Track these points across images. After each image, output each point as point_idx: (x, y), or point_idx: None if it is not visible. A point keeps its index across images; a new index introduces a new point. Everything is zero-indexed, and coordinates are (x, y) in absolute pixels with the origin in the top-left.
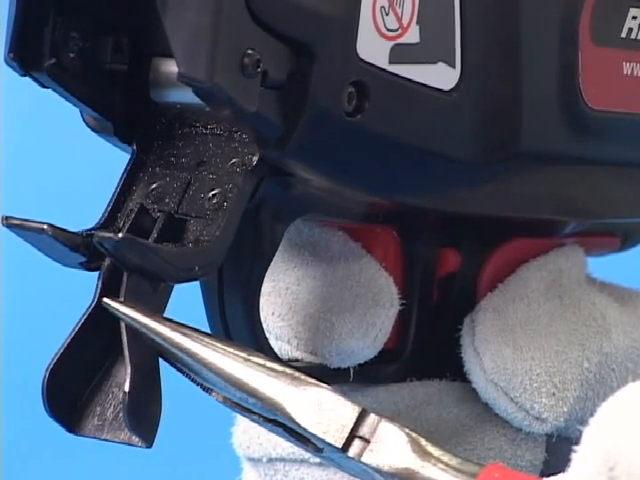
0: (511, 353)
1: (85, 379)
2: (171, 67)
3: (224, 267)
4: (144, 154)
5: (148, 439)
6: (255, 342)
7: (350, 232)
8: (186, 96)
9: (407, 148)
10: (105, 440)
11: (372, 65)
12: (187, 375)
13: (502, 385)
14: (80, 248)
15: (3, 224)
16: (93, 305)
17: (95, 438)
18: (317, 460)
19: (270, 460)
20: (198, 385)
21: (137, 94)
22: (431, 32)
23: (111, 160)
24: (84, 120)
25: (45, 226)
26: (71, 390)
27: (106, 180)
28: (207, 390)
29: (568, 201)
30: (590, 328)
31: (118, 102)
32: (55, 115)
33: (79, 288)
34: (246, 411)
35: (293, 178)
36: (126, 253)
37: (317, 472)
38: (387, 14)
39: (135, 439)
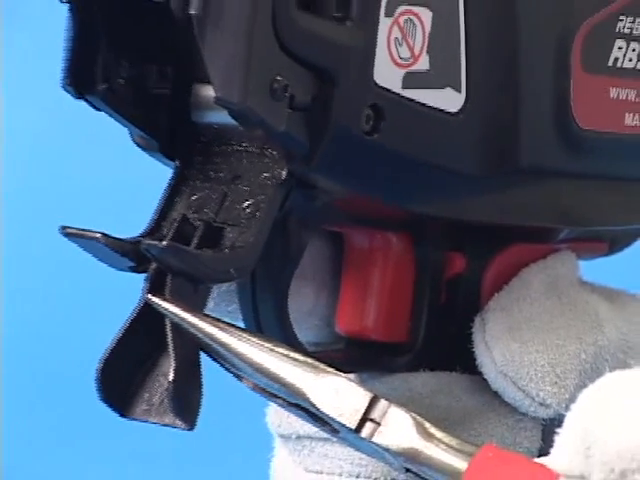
0: (518, 347)
1: (134, 369)
2: (209, 92)
3: (257, 269)
4: (186, 169)
5: (190, 422)
6: (284, 335)
7: (368, 237)
8: (223, 117)
9: (419, 163)
10: (152, 423)
11: (387, 90)
12: (221, 364)
13: (511, 375)
14: (129, 254)
15: (61, 233)
16: (141, 303)
17: (143, 421)
18: None
19: (298, 437)
20: (231, 373)
21: (180, 116)
22: (439, 61)
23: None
24: (132, 139)
25: (98, 235)
26: (121, 379)
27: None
28: (238, 377)
29: (562, 211)
30: (585, 324)
31: (163, 123)
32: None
33: (79, 288)
34: (272, 396)
35: (317, 190)
36: (169, 259)
37: (339, 449)
38: (400, 45)
39: (179, 422)
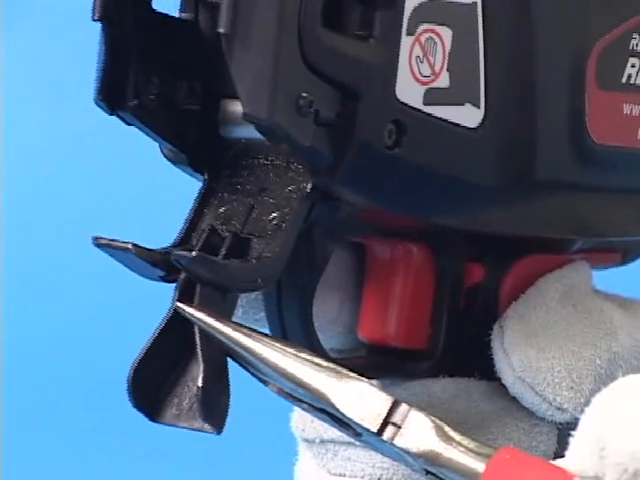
0: (535, 353)
1: (164, 375)
2: (237, 107)
3: (282, 278)
4: (214, 182)
5: (218, 427)
6: (308, 342)
7: (389, 248)
8: (250, 132)
9: (439, 176)
10: (181, 427)
11: (409, 106)
12: (247, 369)
13: (528, 381)
14: (159, 264)
15: (93, 244)
16: (171, 311)
17: (173, 425)
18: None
19: (322, 441)
20: (257, 378)
21: (208, 130)
22: (459, 78)
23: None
24: (162, 152)
25: (129, 245)
26: (152, 384)
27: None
28: (264, 382)
29: (577, 222)
30: (600, 330)
31: (191, 137)
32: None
33: (78, 289)
34: (297, 400)
35: (341, 202)
36: (198, 269)
37: (361, 452)
38: (422, 62)
39: (207, 427)
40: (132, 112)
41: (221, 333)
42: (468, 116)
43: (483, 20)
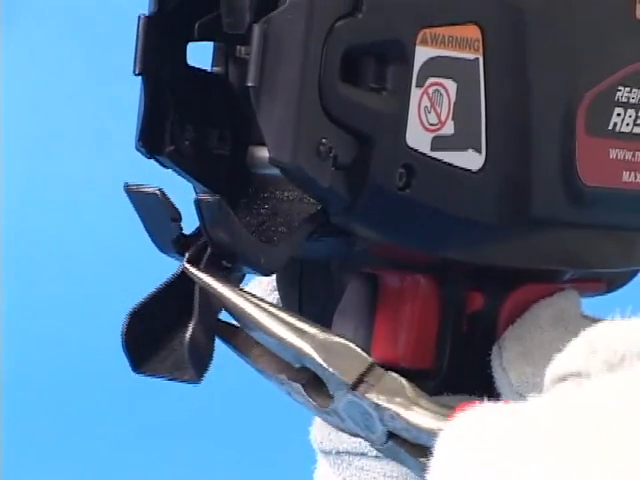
0: (531, 370)
1: (157, 330)
2: (263, 153)
3: (303, 307)
4: (233, 210)
5: (198, 375)
6: None
7: (399, 278)
8: (273, 173)
9: (445, 215)
10: (159, 377)
11: (418, 151)
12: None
13: (525, 395)
14: (178, 221)
15: (124, 189)
16: (176, 275)
17: (151, 376)
18: (374, 453)
19: (338, 452)
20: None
21: (236, 173)
22: (463, 126)
23: None
24: (196, 192)
25: (157, 190)
26: (144, 336)
27: None
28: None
29: (568, 255)
30: None
31: (222, 179)
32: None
33: (78, 290)
34: (278, 382)
35: (356, 237)
36: (216, 214)
37: (373, 463)
38: (429, 112)
39: (186, 377)
40: (169, 157)
41: (215, 290)
42: (471, 160)
43: (484, 74)
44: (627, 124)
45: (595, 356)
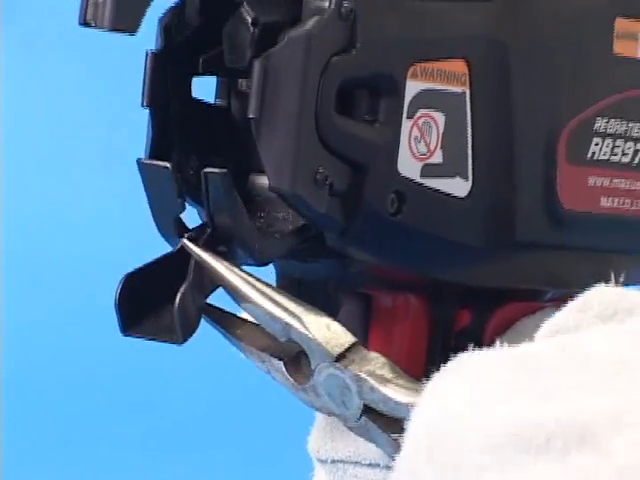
0: None
1: (150, 299)
2: (263, 180)
3: None
4: None
5: (182, 337)
6: None
7: (392, 298)
8: (272, 196)
9: (435, 238)
10: (144, 337)
11: (408, 179)
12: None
13: None
14: (184, 198)
15: (137, 163)
16: (174, 251)
17: (137, 336)
18: (367, 462)
19: (333, 461)
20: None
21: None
22: (450, 155)
23: None
24: (200, 217)
25: (168, 165)
26: (137, 301)
27: None
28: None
29: (550, 276)
30: None
31: None
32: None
33: (78, 291)
34: (260, 360)
35: (351, 260)
36: (220, 188)
37: (367, 471)
38: (419, 142)
39: (170, 337)
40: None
41: (209, 265)
42: (458, 187)
43: (471, 107)
44: (604, 153)
45: (587, 312)
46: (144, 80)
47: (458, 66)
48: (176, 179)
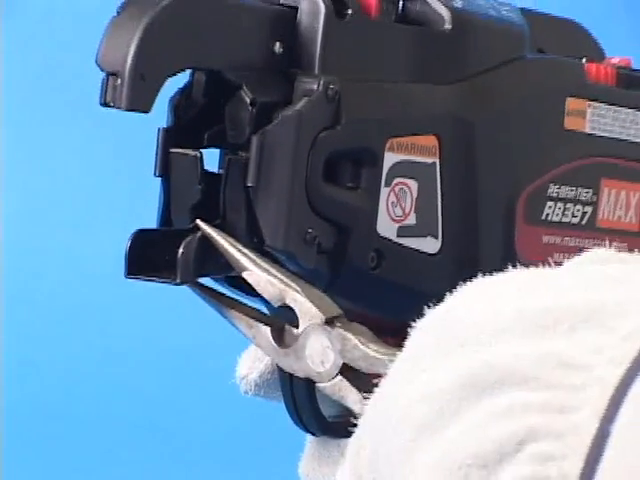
0: None
1: (156, 257)
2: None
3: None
4: None
5: (181, 278)
6: (314, 412)
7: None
8: None
9: (409, 290)
10: (146, 279)
11: (386, 239)
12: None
13: None
14: (203, 185)
15: (169, 153)
16: (187, 228)
17: (140, 278)
18: None
19: None
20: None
21: None
22: (423, 217)
23: None
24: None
25: (197, 154)
26: (144, 254)
27: None
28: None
29: None
30: None
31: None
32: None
33: (78, 291)
34: (247, 326)
35: None
36: (238, 170)
37: None
38: (396, 206)
39: (168, 277)
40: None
41: (224, 248)
42: (429, 245)
43: (440, 175)
44: (557, 214)
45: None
46: (156, 153)
47: (429, 140)
48: (202, 167)
